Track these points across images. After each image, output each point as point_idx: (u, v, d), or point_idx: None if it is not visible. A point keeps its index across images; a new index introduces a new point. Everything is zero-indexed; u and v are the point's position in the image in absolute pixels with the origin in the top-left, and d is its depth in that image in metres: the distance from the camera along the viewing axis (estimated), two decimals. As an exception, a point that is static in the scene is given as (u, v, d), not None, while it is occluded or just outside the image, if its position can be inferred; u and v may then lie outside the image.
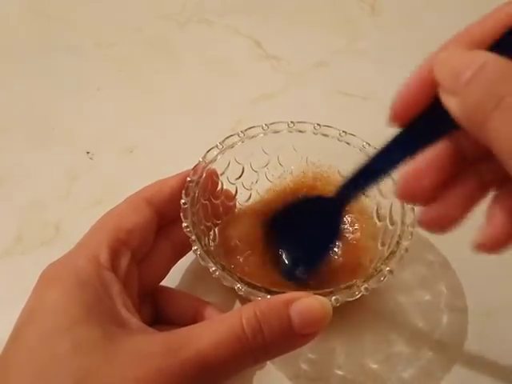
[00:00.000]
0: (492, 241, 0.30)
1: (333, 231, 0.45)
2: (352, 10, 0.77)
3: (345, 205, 0.42)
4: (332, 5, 0.78)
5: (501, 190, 0.31)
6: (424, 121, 0.31)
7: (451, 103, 0.28)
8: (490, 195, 0.31)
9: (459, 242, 0.50)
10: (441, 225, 0.32)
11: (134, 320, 0.35)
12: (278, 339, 0.33)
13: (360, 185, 0.38)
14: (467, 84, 0.27)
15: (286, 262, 0.46)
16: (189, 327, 0.34)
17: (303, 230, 0.45)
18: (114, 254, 0.39)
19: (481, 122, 0.26)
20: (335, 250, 0.47)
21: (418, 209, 0.32)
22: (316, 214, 0.44)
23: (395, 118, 0.32)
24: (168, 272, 0.45)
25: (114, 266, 0.38)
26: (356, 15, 0.77)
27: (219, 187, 0.48)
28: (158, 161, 0.58)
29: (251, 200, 0.51)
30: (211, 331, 0.33)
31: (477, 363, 0.44)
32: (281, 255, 0.46)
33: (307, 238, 0.46)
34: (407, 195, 0.32)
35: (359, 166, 0.37)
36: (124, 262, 0.39)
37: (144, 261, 0.42)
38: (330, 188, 0.48)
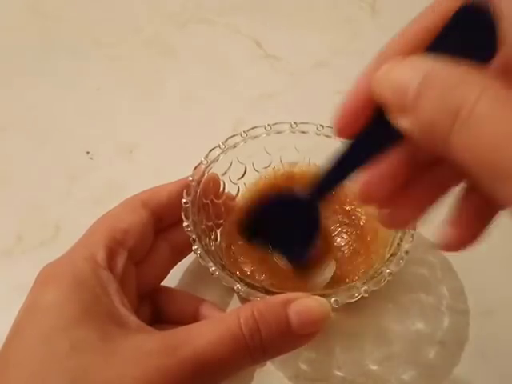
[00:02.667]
0: (456, 241, 0.31)
1: (312, 226, 0.43)
2: (352, 9, 0.77)
3: (317, 203, 0.40)
4: (332, 5, 0.78)
5: (466, 191, 0.31)
6: (370, 132, 0.31)
7: (402, 122, 0.27)
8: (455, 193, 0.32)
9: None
10: (399, 224, 0.34)
11: (132, 318, 0.35)
12: (276, 339, 0.33)
13: (324, 188, 0.37)
14: (416, 101, 0.26)
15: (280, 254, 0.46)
16: (187, 326, 0.34)
17: (283, 226, 0.43)
18: (111, 254, 0.39)
19: (441, 138, 0.25)
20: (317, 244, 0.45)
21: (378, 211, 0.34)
22: (293, 210, 0.42)
23: (339, 133, 0.32)
24: (167, 274, 0.46)
25: (110, 266, 0.38)
26: (356, 15, 0.77)
27: (221, 188, 0.48)
28: (158, 161, 0.58)
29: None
30: (209, 330, 0.33)
31: (478, 365, 0.44)
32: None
33: (288, 232, 0.44)
34: (366, 200, 0.33)
35: (322, 170, 0.36)
36: (120, 261, 0.39)
37: (143, 262, 0.43)
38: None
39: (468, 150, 0.24)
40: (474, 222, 0.30)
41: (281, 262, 0.46)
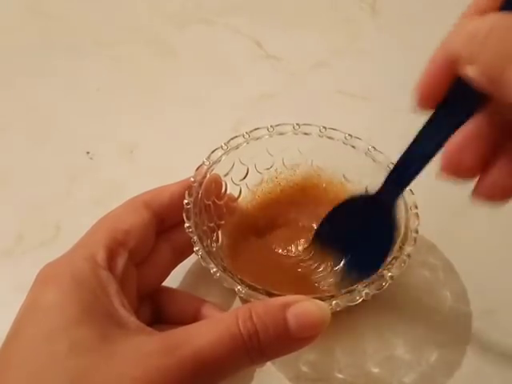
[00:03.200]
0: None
1: (387, 231, 0.43)
2: (352, 9, 0.77)
3: (394, 202, 0.41)
4: (332, 5, 0.78)
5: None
6: (452, 101, 0.32)
7: (470, 71, 0.28)
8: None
9: (463, 246, 0.50)
10: (495, 195, 0.32)
11: (131, 319, 0.35)
12: (274, 342, 0.33)
13: (404, 178, 0.37)
14: (481, 46, 0.27)
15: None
16: (186, 326, 0.34)
17: (354, 235, 0.44)
18: (111, 254, 0.38)
19: (498, 78, 0.26)
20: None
21: (471, 183, 0.32)
22: (366, 216, 0.43)
23: (421, 103, 0.32)
24: (168, 275, 0.45)
25: (110, 266, 0.38)
26: (356, 15, 0.77)
27: (223, 189, 0.48)
28: (158, 161, 0.58)
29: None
30: (208, 330, 0.33)
31: (480, 369, 0.44)
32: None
33: (360, 242, 0.44)
34: (452, 169, 0.32)
35: (400, 159, 0.37)
36: (121, 262, 0.39)
37: (144, 263, 0.42)
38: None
39: None
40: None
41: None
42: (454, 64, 0.30)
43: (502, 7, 0.29)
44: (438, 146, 0.33)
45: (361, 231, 0.43)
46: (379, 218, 0.42)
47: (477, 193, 0.32)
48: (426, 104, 0.32)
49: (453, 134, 0.31)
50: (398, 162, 0.37)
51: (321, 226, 0.46)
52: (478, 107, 0.31)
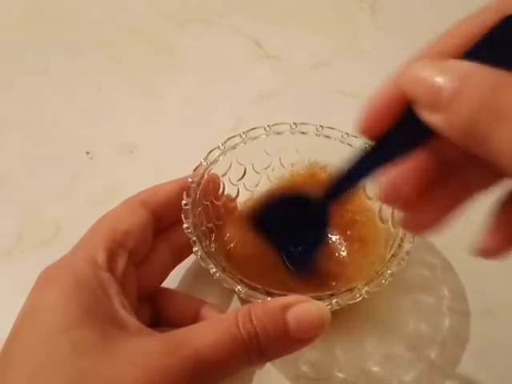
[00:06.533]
0: (493, 247, 0.30)
1: (319, 232, 0.44)
2: (352, 9, 0.77)
3: (329, 207, 0.40)
4: (332, 5, 0.78)
5: (506, 196, 0.30)
6: (396, 132, 0.30)
7: (435, 120, 0.26)
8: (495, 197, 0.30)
9: (462, 245, 0.50)
10: (423, 227, 0.32)
11: (132, 320, 0.35)
12: (273, 344, 0.33)
13: (341, 189, 0.37)
14: (453, 99, 0.25)
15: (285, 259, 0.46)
16: (187, 327, 0.34)
17: (290, 228, 0.44)
18: (111, 255, 0.39)
19: (481, 136, 0.25)
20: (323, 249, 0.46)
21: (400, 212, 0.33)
22: (302, 212, 0.42)
23: (364, 131, 0.31)
24: (167, 275, 0.45)
25: (110, 267, 0.38)
26: (356, 15, 0.77)
27: (221, 189, 0.48)
28: (158, 161, 0.58)
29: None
30: (209, 331, 0.33)
31: (478, 365, 0.44)
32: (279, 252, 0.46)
33: (295, 235, 0.45)
34: (390, 199, 0.31)
35: (340, 171, 0.36)
36: (121, 262, 0.39)
37: (143, 263, 0.42)
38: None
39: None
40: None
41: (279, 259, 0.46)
42: (406, 100, 0.28)
43: (467, 54, 0.28)
44: (374, 171, 0.32)
45: (296, 228, 0.44)
46: (313, 220, 0.42)
47: (404, 224, 0.32)
48: (369, 133, 0.31)
49: (391, 163, 0.31)
50: (335, 176, 0.36)
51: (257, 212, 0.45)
52: (424, 142, 0.30)
